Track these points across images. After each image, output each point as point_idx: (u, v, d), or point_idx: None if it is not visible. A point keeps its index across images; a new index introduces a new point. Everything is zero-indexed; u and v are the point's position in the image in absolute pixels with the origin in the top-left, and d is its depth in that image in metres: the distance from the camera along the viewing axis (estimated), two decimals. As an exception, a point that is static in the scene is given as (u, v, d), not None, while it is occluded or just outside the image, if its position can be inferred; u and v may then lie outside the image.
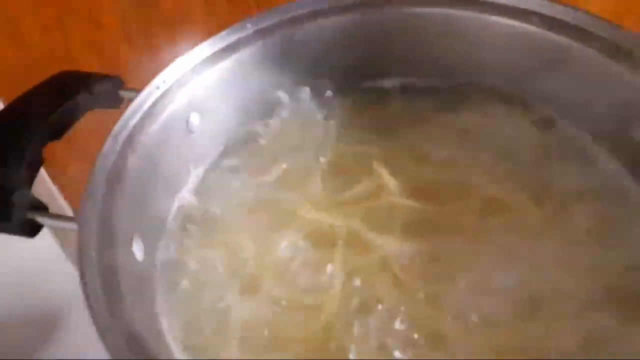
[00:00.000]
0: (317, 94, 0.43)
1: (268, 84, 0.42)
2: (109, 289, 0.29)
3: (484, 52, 0.41)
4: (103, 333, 0.26)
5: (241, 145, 0.42)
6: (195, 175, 0.40)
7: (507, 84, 0.41)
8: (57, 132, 0.37)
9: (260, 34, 0.40)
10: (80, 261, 0.30)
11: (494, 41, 0.40)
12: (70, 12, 0.54)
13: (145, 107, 0.36)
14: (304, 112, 0.43)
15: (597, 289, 0.31)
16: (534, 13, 0.38)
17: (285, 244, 0.35)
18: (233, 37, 0.40)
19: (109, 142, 0.34)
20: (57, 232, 0.72)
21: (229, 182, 0.40)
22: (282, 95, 0.43)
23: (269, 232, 0.36)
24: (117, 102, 0.40)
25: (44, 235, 0.67)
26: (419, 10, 0.41)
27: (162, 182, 0.38)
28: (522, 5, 0.39)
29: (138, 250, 0.33)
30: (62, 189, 0.71)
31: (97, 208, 0.32)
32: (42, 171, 0.67)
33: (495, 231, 0.34)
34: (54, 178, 0.69)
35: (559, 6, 0.38)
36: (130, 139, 0.35)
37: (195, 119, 0.39)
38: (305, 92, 0.43)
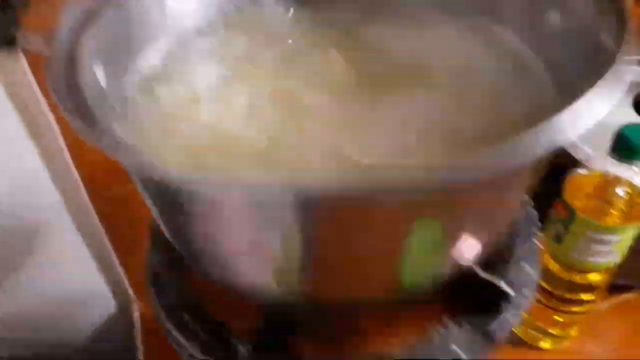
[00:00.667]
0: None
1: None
2: (74, 97, 0.34)
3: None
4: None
5: (211, 27, 0.46)
6: (163, 44, 0.44)
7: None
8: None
9: None
10: (50, 75, 0.35)
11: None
12: None
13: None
14: (272, 5, 0.48)
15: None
16: None
17: (232, 91, 0.41)
18: None
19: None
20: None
21: (193, 56, 0.45)
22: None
23: (219, 85, 0.42)
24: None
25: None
26: None
27: (132, 40, 0.43)
28: None
29: (101, 77, 0.38)
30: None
31: (67, 36, 0.37)
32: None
33: (416, 91, 0.41)
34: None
35: None
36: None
37: (170, -8, 0.44)
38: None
